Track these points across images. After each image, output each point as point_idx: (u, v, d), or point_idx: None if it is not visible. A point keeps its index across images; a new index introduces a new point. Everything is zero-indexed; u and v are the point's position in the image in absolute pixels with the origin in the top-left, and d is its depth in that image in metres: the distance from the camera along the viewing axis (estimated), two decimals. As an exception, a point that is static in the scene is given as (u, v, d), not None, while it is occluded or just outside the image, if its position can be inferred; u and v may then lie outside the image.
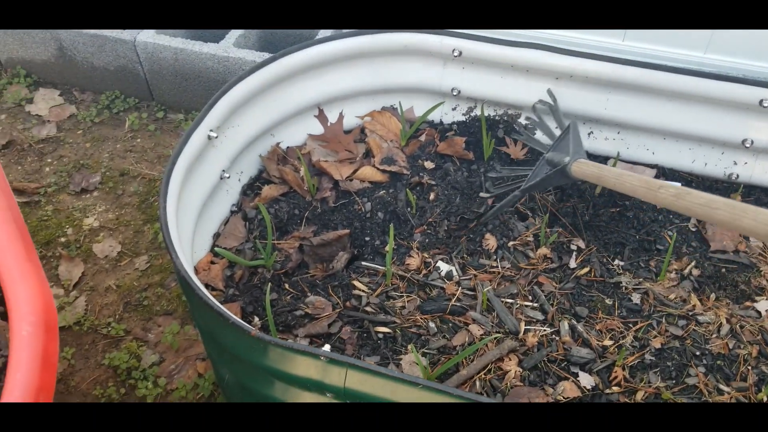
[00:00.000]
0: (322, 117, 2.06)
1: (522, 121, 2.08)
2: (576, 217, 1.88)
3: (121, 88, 2.91)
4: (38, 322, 0.99)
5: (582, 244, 1.81)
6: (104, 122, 2.86)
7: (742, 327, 1.61)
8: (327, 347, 1.54)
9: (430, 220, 1.86)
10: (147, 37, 2.66)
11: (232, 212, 1.87)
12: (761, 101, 1.80)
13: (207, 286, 1.68)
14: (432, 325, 1.62)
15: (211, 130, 1.68)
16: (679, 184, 1.88)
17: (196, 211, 1.67)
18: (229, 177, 1.81)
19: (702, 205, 1.28)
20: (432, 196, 1.94)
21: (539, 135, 2.05)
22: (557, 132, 1.99)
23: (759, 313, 1.65)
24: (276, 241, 1.81)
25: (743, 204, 1.20)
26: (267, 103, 1.90)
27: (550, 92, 1.97)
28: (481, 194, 1.92)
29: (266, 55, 2.49)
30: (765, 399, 1.47)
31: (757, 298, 1.69)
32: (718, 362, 1.54)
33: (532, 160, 2.01)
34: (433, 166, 2.03)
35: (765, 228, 1.12)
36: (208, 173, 1.73)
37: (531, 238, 1.82)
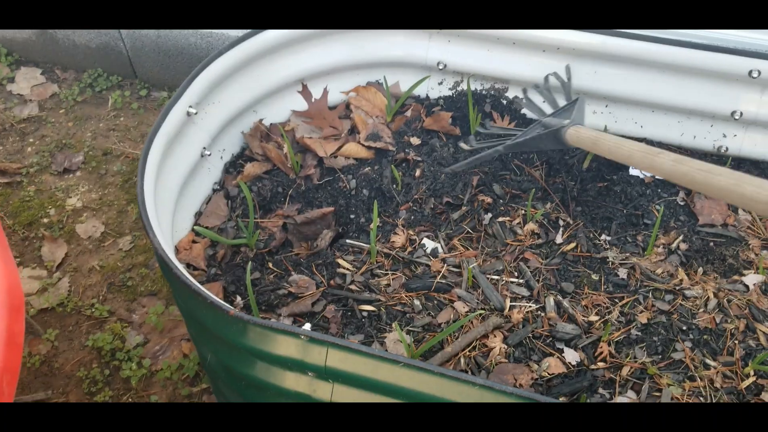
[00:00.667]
0: (306, 93, 2.03)
1: (509, 95, 2.05)
2: (564, 193, 1.86)
3: (104, 66, 2.86)
4: (1, 303, 0.97)
5: (569, 220, 1.79)
6: (87, 101, 2.82)
7: (729, 301, 1.60)
8: (307, 326, 1.52)
9: (416, 197, 1.84)
10: (128, 13, 2.60)
11: (214, 190, 1.84)
12: (750, 72, 1.77)
13: (188, 265, 1.65)
14: (417, 302, 1.60)
15: (190, 107, 1.65)
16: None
17: (176, 190, 1.64)
18: (210, 154, 1.78)
19: (703, 171, 1.26)
20: (418, 172, 1.91)
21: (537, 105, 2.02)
22: (545, 109, 1.96)
23: (747, 286, 1.64)
24: (259, 220, 1.78)
25: (744, 174, 1.18)
26: (249, 78, 1.87)
27: (567, 68, 1.94)
28: (461, 144, 1.90)
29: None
30: (752, 373, 1.46)
31: (744, 271, 1.68)
32: (705, 337, 1.53)
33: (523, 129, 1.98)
34: (420, 141, 2.00)
35: (766, 195, 1.10)
36: (188, 151, 1.69)
37: (520, 214, 1.80)
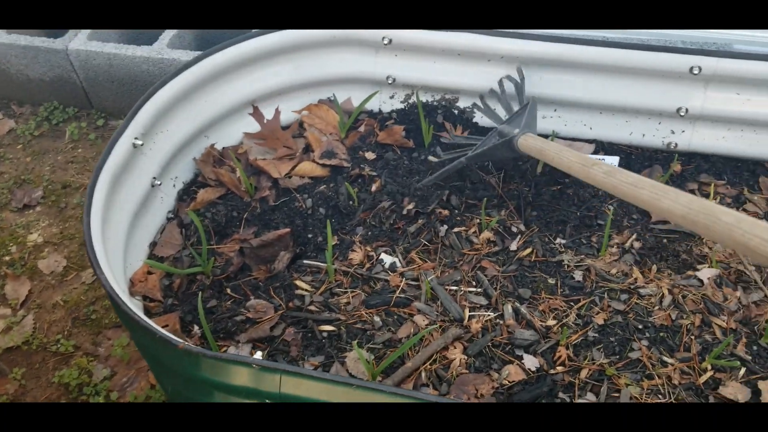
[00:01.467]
0: (257, 114, 2.03)
1: (460, 104, 2.06)
2: (519, 199, 1.87)
3: (59, 98, 2.84)
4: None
5: (523, 227, 1.80)
6: (44, 135, 2.79)
7: (684, 297, 1.62)
8: (258, 354, 1.52)
9: (372, 213, 1.84)
10: (79, 44, 2.59)
11: (168, 219, 1.83)
12: (691, 69, 1.80)
13: (145, 297, 1.64)
14: (377, 319, 1.60)
15: (136, 138, 1.64)
16: (617, 159, 1.88)
17: (127, 222, 1.63)
18: (161, 184, 1.77)
19: (628, 184, 1.28)
20: (374, 187, 1.91)
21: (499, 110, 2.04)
22: (501, 115, 1.98)
23: (701, 281, 1.66)
24: (215, 246, 1.78)
25: (666, 186, 1.20)
26: (197, 104, 1.86)
27: (519, 69, 1.94)
28: (430, 157, 1.91)
29: (201, 55, 2.44)
30: (709, 367, 1.47)
31: (698, 266, 1.70)
32: (661, 334, 1.54)
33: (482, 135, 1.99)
34: (374, 156, 2.01)
35: (683, 209, 1.12)
36: (137, 182, 1.69)
37: (475, 223, 1.80)
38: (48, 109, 2.84)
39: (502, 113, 1.99)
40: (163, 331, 1.25)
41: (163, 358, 1.32)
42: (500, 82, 1.97)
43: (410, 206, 1.82)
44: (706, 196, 1.89)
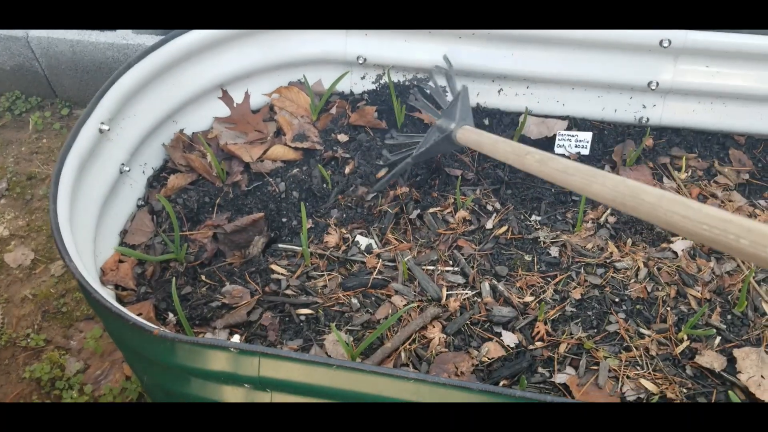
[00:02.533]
0: (226, 98, 1.99)
1: (432, 84, 2.04)
2: (494, 177, 1.86)
3: (21, 88, 2.76)
4: None
5: (498, 205, 1.79)
6: (7, 125, 2.72)
7: (659, 269, 1.63)
8: (236, 338, 1.49)
9: (345, 196, 1.82)
10: (40, 31, 2.51)
11: (138, 206, 1.79)
12: (661, 42, 1.80)
13: (117, 286, 1.61)
14: (355, 301, 1.59)
15: (102, 123, 1.60)
16: (590, 134, 1.88)
17: (96, 210, 1.59)
18: (129, 170, 1.73)
19: (560, 171, 1.29)
20: (347, 169, 1.89)
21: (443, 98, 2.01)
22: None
23: (675, 253, 1.67)
24: (188, 232, 1.74)
25: (595, 170, 1.20)
26: (164, 88, 1.82)
27: (446, 58, 1.94)
28: (378, 161, 1.89)
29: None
30: (685, 338, 1.49)
31: (672, 238, 1.71)
32: (638, 306, 1.55)
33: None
34: (347, 138, 1.98)
35: (611, 192, 1.12)
36: (104, 169, 1.64)
37: (450, 203, 1.80)
38: (10, 99, 2.76)
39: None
40: (137, 317, 1.22)
41: (138, 347, 1.29)
42: (431, 73, 1.97)
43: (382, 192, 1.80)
44: (678, 169, 1.90)
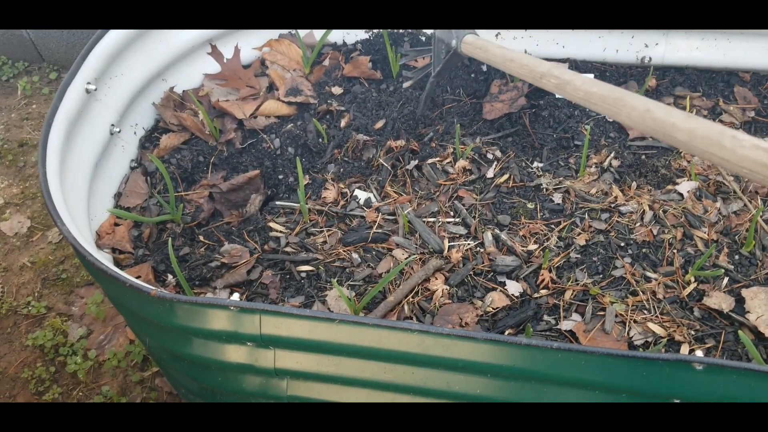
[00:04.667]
0: (216, 54, 1.93)
1: (427, 31, 1.98)
2: (492, 124, 1.82)
3: (7, 52, 2.69)
4: None
5: (498, 153, 1.75)
6: (-6, 92, 2.67)
7: (665, 212, 1.60)
8: (236, 296, 1.47)
9: (342, 150, 1.78)
10: (21, -8, 2.44)
11: (132, 168, 1.75)
12: (663, -23, 1.73)
13: (114, 249, 1.58)
14: (355, 256, 1.56)
15: (88, 83, 1.55)
16: (592, 76, 1.83)
17: (88, 173, 1.56)
18: (120, 131, 1.69)
19: (581, 98, 1.24)
20: (343, 122, 1.85)
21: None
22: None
23: (681, 195, 1.64)
24: (183, 193, 1.71)
25: (619, 94, 1.15)
26: (151, 45, 1.77)
27: None
28: (405, 84, 1.86)
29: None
30: (692, 279, 1.46)
31: (678, 180, 1.67)
32: (644, 250, 1.52)
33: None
34: (342, 90, 1.93)
35: (639, 125, 1.08)
36: (94, 130, 1.60)
37: (449, 153, 1.76)
38: (-4, 65, 2.70)
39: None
40: (133, 279, 1.19)
41: (137, 309, 1.27)
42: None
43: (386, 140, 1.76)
44: (683, 109, 1.85)
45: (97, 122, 1.60)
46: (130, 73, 1.71)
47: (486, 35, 1.91)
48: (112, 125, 1.66)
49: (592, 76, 1.83)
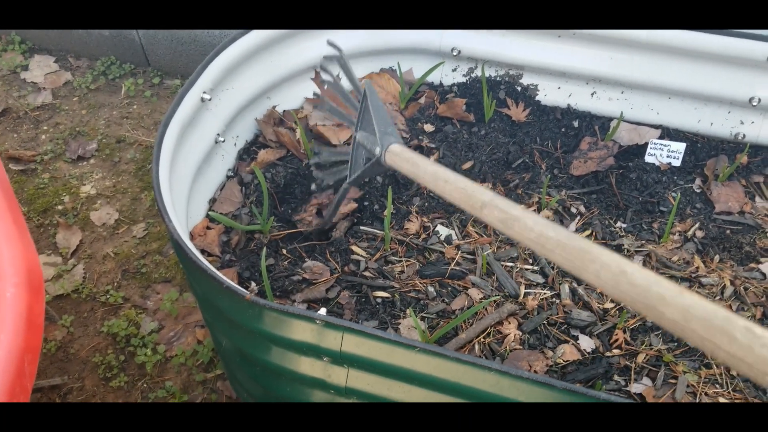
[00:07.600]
0: (318, 79, 2.02)
1: (523, 81, 2.03)
2: (578, 179, 1.85)
3: (117, 53, 2.86)
4: (22, 283, 0.97)
5: (582, 209, 1.77)
6: (100, 89, 2.82)
7: (746, 289, 1.59)
8: (323, 311, 1.52)
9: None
10: (141, 0, 2.60)
11: (228, 177, 1.84)
12: (769, 57, 1.75)
13: (203, 251, 1.66)
14: (431, 289, 1.60)
15: (204, 92, 1.65)
16: (684, 145, 1.84)
17: (190, 176, 1.64)
18: (224, 141, 1.78)
19: (533, 240, 0.98)
20: (432, 159, 1.90)
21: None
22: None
23: (764, 274, 1.63)
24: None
25: (585, 246, 0.90)
26: (262, 64, 1.86)
27: (330, 42, 1.64)
28: (312, 186, 1.74)
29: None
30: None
31: (762, 259, 1.66)
32: (722, 324, 1.51)
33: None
34: (433, 128, 1.99)
35: (609, 288, 0.86)
36: (202, 137, 1.69)
37: (535, 201, 1.79)
38: (105, 64, 2.86)
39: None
40: (230, 281, 1.25)
41: (225, 309, 1.33)
42: (321, 67, 1.70)
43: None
44: (773, 190, 1.84)
45: (206, 130, 1.70)
46: (240, 88, 1.80)
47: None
48: (218, 134, 1.75)
49: (684, 145, 1.84)
